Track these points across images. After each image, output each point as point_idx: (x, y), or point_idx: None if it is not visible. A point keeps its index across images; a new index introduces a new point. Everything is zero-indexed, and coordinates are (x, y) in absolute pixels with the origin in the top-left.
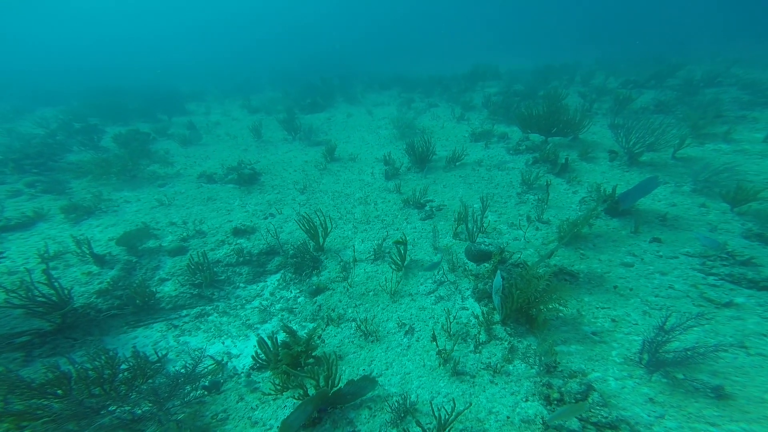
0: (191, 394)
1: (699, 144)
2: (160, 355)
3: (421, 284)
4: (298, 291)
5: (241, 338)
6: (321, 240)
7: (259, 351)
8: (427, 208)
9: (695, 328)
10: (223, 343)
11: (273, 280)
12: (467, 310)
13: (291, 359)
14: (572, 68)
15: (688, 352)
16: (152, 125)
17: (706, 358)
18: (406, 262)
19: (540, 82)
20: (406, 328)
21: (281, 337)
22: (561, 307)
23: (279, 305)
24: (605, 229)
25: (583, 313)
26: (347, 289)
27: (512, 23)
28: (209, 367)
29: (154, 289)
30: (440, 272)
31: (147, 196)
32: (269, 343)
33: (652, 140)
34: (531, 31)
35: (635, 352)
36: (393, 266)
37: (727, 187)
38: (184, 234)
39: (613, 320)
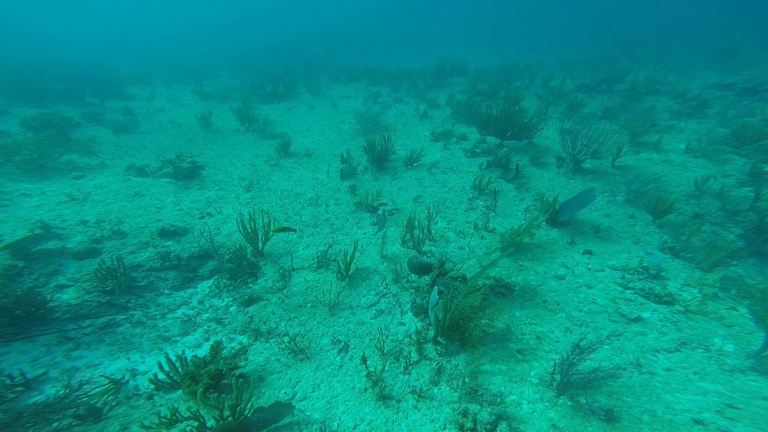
0: (54, 425)
1: (635, 153)
2: (37, 373)
3: (364, 296)
4: (231, 299)
5: (153, 352)
6: (260, 244)
7: (165, 368)
8: (380, 212)
9: (605, 346)
10: (128, 358)
11: (204, 286)
12: (404, 325)
13: (208, 378)
14: (535, 68)
15: (592, 375)
16: (80, 109)
17: (608, 379)
18: (351, 271)
19: (503, 82)
20: (341, 345)
21: (203, 351)
22: (494, 323)
23: (207, 315)
24: (545, 239)
25: (512, 329)
26: (282, 300)
27: (492, 17)
28: (97, 389)
29: (47, 297)
30: (383, 283)
31: (55, 189)
32: (179, 359)
33: (595, 147)
34: (509, 26)
35: (550, 372)
36: (337, 275)
37: (652, 199)
38: (98, 234)
39: (538, 337)
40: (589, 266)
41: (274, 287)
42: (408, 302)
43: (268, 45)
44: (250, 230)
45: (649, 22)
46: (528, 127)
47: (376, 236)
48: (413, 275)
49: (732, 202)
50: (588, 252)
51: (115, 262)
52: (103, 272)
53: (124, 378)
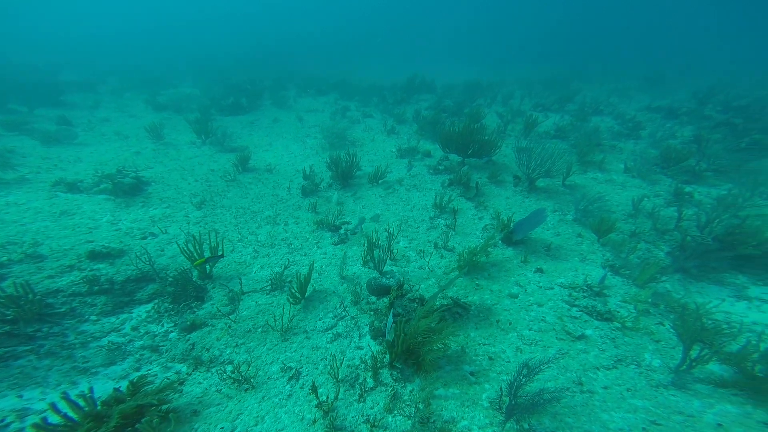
0: None
1: (583, 172)
2: None
3: (320, 319)
4: (172, 325)
5: (62, 386)
6: (207, 267)
7: (62, 407)
8: (342, 231)
9: (552, 365)
10: (20, 396)
11: (141, 311)
12: (362, 349)
13: (120, 417)
14: (497, 86)
15: (538, 397)
16: (1, 117)
17: (552, 401)
18: (308, 293)
19: (468, 99)
20: (292, 372)
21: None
22: (448, 346)
23: (141, 342)
24: (501, 258)
25: (467, 350)
26: (229, 326)
27: (467, 33)
28: None
29: None
30: (341, 306)
31: None
32: (81, 397)
33: (548, 167)
34: (482, 41)
35: (501, 395)
36: (290, 299)
37: (596, 218)
38: (3, 258)
39: (491, 358)
40: (540, 284)
41: (220, 312)
42: (366, 325)
43: (239, 54)
44: (194, 252)
45: (598, 46)
46: (488, 144)
47: (337, 256)
48: (372, 297)
49: (661, 222)
50: (539, 270)
51: (19, 289)
52: (3, 300)
53: (4, 420)
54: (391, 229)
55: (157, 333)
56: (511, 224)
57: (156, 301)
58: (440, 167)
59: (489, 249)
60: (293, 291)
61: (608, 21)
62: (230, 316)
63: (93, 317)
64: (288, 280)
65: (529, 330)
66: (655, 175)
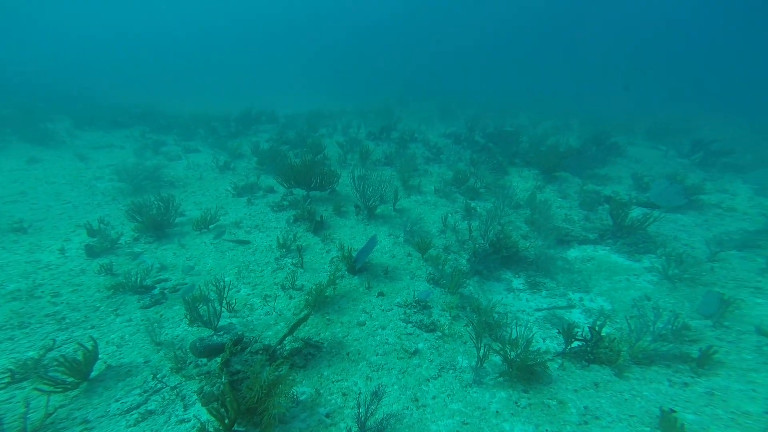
0: None
1: (407, 196)
2: None
3: (118, 400)
4: None
5: None
6: None
7: None
8: (156, 291)
9: (395, 386)
10: None
11: None
12: (188, 422)
13: None
14: (337, 116)
15: (384, 423)
16: None
17: (396, 424)
18: (96, 372)
19: (310, 130)
20: None
21: None
22: (302, 389)
23: None
24: (348, 287)
25: (321, 391)
26: None
27: (310, 64)
28: None
29: None
30: (155, 378)
31: None
32: None
33: (380, 193)
34: (325, 73)
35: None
36: (57, 387)
37: (419, 237)
38: None
39: (344, 394)
40: (383, 307)
41: None
42: (195, 392)
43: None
44: None
45: (413, 79)
46: (329, 176)
47: (149, 321)
48: (203, 359)
49: (461, 234)
50: (381, 294)
51: None
52: None
53: None
54: (227, 277)
55: None
56: (353, 254)
57: None
58: (284, 203)
59: (336, 281)
60: (60, 375)
61: (421, 58)
62: None
63: None
64: (55, 363)
65: (376, 355)
66: (454, 194)
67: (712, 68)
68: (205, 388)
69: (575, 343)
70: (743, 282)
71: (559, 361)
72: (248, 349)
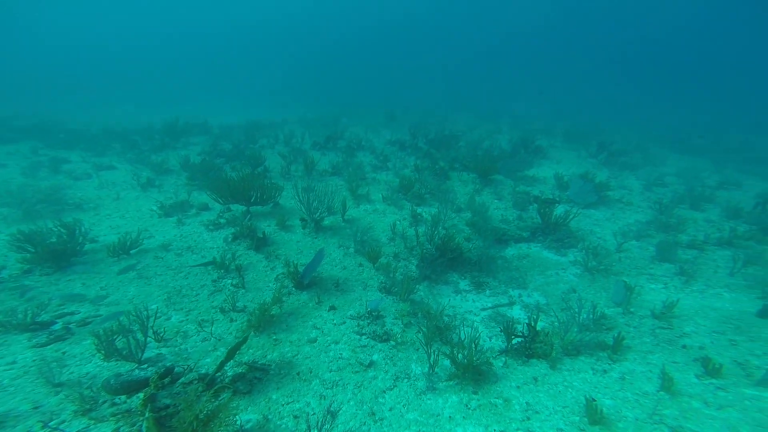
0: None
1: (356, 205)
2: None
3: None
4: None
5: None
6: None
7: None
8: (58, 326)
9: (351, 402)
10: None
11: None
12: None
13: None
14: (279, 126)
15: None
16: None
17: None
18: None
19: (249, 141)
20: None
21: None
22: (248, 417)
23: None
24: (297, 304)
25: (270, 416)
26: None
27: (248, 74)
28: None
29: None
30: (43, 427)
31: None
32: None
33: (327, 204)
34: (264, 83)
35: None
36: None
37: (369, 247)
38: None
39: (296, 416)
40: (335, 321)
41: None
42: None
43: None
44: None
45: (359, 88)
46: (271, 189)
47: (45, 360)
48: (122, 396)
49: (409, 241)
50: (333, 308)
51: None
52: None
53: None
54: (154, 305)
55: None
56: (300, 269)
57: None
58: (221, 220)
59: (283, 299)
60: None
61: (366, 66)
62: None
63: None
64: None
65: (330, 372)
66: (401, 201)
67: (614, 77)
68: (122, 429)
69: (515, 340)
70: (642, 269)
71: (503, 358)
72: (180, 381)
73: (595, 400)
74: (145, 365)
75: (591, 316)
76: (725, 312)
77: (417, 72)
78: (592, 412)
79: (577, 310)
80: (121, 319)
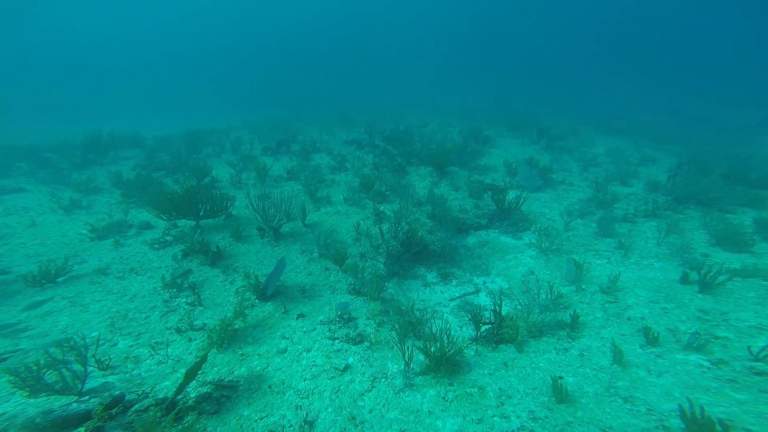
0: None
1: (317, 209)
2: None
3: None
4: None
5: None
6: None
7: None
8: None
9: (329, 408)
10: None
11: None
12: None
13: None
14: (224, 133)
15: None
16: None
17: None
18: None
19: (192, 150)
20: None
21: None
22: None
23: None
24: (262, 316)
25: None
26: None
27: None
28: None
29: None
30: None
31: None
32: None
33: (285, 210)
34: (202, 90)
35: None
36: None
37: (334, 249)
38: None
39: (271, 431)
40: (304, 329)
41: None
42: None
43: None
44: None
45: (310, 91)
46: (221, 200)
47: None
48: None
49: (374, 239)
50: (301, 315)
51: None
52: None
53: None
54: (94, 332)
55: None
56: (261, 280)
57: None
58: (168, 238)
59: (246, 311)
60: None
61: (314, 68)
62: None
63: None
64: None
65: (304, 381)
66: (363, 200)
67: (551, 67)
68: None
69: (484, 327)
70: (588, 246)
71: (474, 347)
72: (134, 408)
73: (561, 378)
74: (86, 396)
75: (549, 296)
76: (657, 282)
77: (365, 73)
78: (558, 391)
79: (536, 291)
80: (50, 350)
